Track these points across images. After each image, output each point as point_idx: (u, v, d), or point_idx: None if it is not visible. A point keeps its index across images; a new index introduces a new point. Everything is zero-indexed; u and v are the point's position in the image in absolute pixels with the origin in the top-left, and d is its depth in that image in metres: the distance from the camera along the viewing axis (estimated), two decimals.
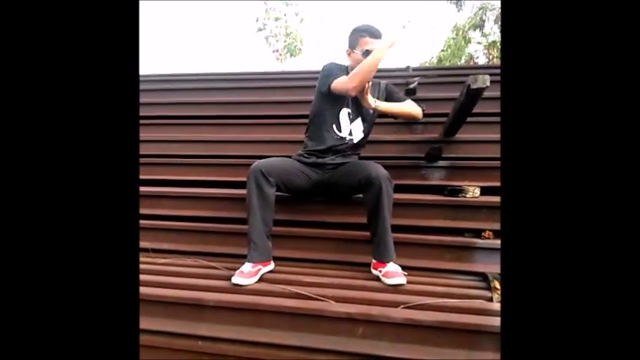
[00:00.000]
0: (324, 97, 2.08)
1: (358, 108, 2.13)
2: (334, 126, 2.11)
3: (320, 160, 2.09)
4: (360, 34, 2.05)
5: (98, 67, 0.86)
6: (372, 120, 2.21)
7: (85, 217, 0.84)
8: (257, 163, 1.91)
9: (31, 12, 0.82)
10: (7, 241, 0.78)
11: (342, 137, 2.11)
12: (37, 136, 0.81)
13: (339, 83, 1.98)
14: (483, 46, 10.31)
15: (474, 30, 10.42)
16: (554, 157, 0.81)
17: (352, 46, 2.07)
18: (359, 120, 2.14)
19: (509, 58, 0.86)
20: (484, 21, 10.24)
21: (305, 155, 2.12)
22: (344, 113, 2.12)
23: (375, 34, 2.03)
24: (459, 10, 10.89)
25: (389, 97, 2.21)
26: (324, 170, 2.08)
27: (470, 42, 10.39)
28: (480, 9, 10.22)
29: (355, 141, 2.13)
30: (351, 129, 2.12)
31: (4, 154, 0.79)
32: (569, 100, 0.80)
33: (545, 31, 0.83)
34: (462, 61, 10.29)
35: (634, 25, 0.77)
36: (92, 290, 0.83)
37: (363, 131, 2.16)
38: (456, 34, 10.46)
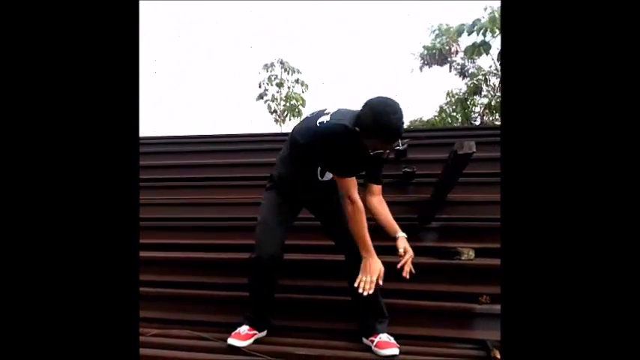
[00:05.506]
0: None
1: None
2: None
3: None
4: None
5: (99, 72, 0.85)
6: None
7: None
8: (261, 249, 1.72)
9: (31, 13, 0.82)
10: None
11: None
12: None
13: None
14: (480, 109, 10.27)
15: (473, 96, 10.45)
16: (555, 210, 0.78)
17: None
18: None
19: (509, 63, 0.85)
20: (481, 88, 10.30)
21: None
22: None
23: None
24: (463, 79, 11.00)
25: None
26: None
27: (467, 108, 10.38)
28: (476, 77, 10.28)
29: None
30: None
31: None
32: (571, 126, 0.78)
33: (546, 36, 0.81)
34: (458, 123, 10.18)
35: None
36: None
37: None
38: (450, 100, 10.51)
